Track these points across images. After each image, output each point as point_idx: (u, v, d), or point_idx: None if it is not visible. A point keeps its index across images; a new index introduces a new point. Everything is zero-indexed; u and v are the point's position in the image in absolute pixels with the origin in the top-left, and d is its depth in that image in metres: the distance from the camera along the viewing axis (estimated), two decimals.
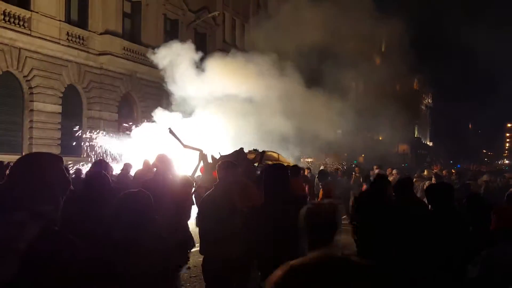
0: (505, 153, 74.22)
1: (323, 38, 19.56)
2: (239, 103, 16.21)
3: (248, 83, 16.01)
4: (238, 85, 15.81)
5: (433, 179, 14.37)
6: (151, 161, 10.67)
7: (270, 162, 11.29)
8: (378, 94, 22.85)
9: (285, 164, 11.24)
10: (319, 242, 2.88)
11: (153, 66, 19.20)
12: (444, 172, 17.57)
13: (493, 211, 3.86)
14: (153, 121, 15.47)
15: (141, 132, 15.25)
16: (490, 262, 3.61)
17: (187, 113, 15.66)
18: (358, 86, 21.33)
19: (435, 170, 19.25)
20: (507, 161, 62.09)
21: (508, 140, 73.84)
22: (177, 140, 11.25)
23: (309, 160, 26.24)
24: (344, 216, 16.83)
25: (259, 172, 10.96)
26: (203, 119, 15.16)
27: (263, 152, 11.17)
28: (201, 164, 10.71)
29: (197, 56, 16.75)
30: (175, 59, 16.10)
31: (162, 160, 6.93)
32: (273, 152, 11.64)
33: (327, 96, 18.62)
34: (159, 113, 15.41)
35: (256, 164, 11.16)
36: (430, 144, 59.21)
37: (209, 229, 5.17)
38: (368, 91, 21.66)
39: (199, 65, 16.46)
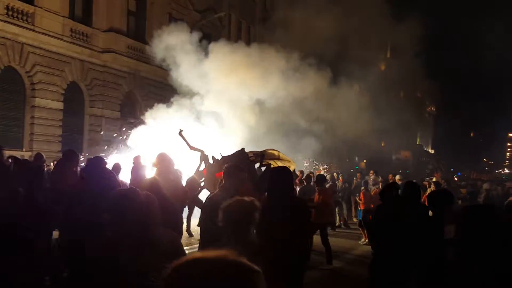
0: (505, 163, 74.24)
1: (332, 42, 19.43)
2: (251, 99, 16.01)
3: (263, 79, 15.82)
4: (254, 80, 15.63)
5: (432, 186, 14.42)
6: (142, 158, 10.67)
7: (270, 161, 11.17)
8: (382, 100, 22.72)
9: (287, 163, 11.23)
10: (236, 235, 3.28)
11: (157, 65, 19.11)
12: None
13: None
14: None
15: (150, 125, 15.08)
16: None
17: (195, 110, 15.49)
18: (363, 91, 21.15)
19: (434, 178, 19.19)
20: (507, 171, 61.96)
21: (509, 149, 73.89)
22: (184, 142, 11.22)
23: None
24: (342, 222, 16.78)
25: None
26: (213, 114, 15.05)
27: (263, 151, 11.05)
28: (203, 165, 10.65)
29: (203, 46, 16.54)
30: (181, 48, 15.90)
31: (163, 160, 6.78)
32: (274, 150, 11.51)
33: (343, 97, 18.52)
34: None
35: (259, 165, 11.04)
36: (432, 151, 59.15)
37: (212, 231, 5.06)
38: (373, 96, 21.48)
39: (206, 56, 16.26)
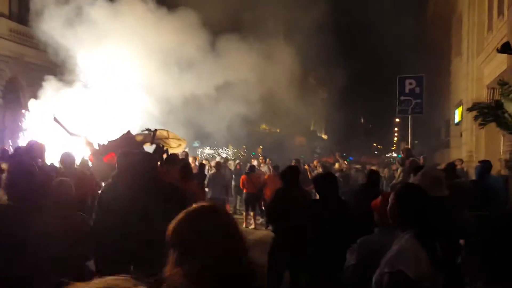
0: (393, 147, 78.89)
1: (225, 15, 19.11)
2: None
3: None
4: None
5: (319, 169, 15.16)
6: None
7: (160, 141, 11.09)
8: (276, 85, 22.98)
9: (177, 142, 11.26)
10: None
11: (43, 49, 18.16)
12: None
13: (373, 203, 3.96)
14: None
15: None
16: (364, 248, 3.77)
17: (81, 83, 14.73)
18: (254, 73, 21.19)
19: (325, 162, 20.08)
20: (394, 154, 66.26)
21: (396, 134, 78.59)
22: (63, 128, 10.83)
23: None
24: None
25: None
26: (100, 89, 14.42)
27: (155, 130, 10.90)
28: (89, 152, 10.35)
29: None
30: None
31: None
32: (163, 129, 11.43)
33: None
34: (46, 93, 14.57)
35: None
36: (325, 137, 61.74)
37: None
38: (266, 81, 21.66)
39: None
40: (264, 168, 16.71)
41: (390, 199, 3.22)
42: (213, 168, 14.89)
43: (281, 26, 23.82)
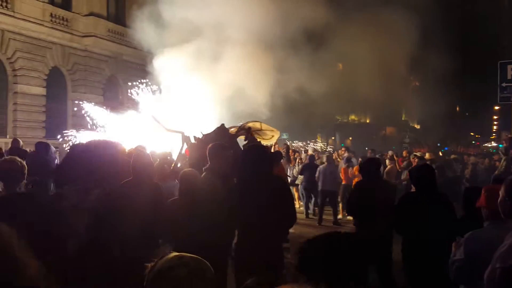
0: (492, 136, 74.45)
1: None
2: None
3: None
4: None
5: (415, 161, 14.44)
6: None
7: (254, 134, 11.10)
8: (367, 75, 22.26)
9: (270, 133, 11.28)
10: None
11: (138, 48, 19.01)
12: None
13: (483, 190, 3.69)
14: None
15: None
16: (472, 243, 3.57)
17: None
18: (345, 66, 20.59)
19: (418, 153, 19.19)
20: (494, 144, 62.37)
21: (495, 122, 74.04)
22: (159, 125, 11.19)
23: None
24: None
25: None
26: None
27: (245, 125, 10.93)
28: (185, 146, 10.56)
29: None
30: None
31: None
32: (255, 121, 11.41)
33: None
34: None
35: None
36: (418, 127, 59.53)
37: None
38: (356, 72, 21.05)
39: None
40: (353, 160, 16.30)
41: (500, 191, 3.02)
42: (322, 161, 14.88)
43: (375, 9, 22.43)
